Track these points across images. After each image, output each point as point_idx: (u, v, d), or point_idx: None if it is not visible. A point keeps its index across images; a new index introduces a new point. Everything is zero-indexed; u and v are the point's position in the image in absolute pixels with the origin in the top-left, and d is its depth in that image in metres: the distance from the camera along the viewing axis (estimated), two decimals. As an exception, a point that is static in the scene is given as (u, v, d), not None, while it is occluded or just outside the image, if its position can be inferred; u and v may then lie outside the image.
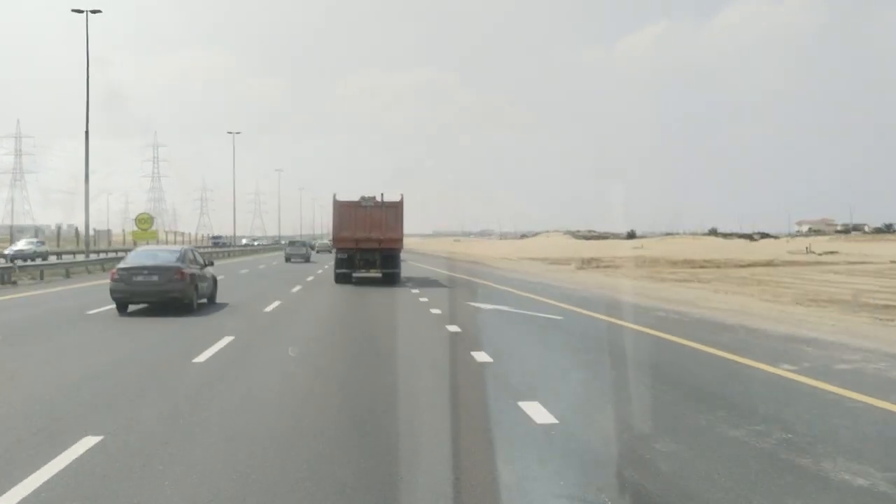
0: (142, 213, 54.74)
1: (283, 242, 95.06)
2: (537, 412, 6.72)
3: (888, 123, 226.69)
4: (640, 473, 5.13)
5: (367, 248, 25.83)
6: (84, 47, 40.38)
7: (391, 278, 26.05)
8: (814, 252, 59.85)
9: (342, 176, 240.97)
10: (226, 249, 70.16)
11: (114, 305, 16.25)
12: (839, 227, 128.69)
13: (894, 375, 9.12)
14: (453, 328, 13.20)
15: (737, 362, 9.91)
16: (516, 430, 6.24)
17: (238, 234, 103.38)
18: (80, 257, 40.39)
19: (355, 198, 26.40)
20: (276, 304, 18.44)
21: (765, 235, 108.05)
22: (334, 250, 27.66)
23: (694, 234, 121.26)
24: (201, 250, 29.55)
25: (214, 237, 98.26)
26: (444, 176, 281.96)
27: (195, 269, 17.15)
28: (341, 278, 26.20)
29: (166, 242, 62.83)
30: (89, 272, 34.67)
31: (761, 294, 22.89)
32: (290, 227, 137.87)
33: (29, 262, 33.63)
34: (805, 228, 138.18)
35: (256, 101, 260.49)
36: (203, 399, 7.56)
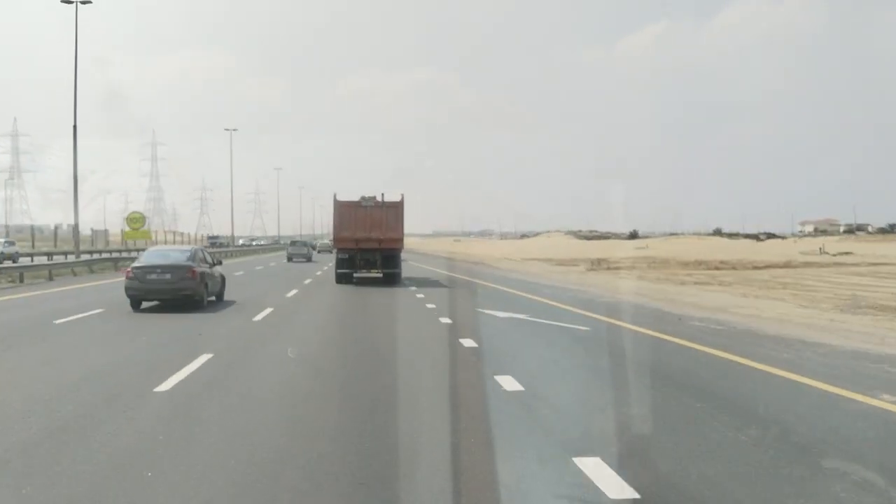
0: (133, 212, 52.85)
1: (282, 242, 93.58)
2: (608, 480, 4.86)
3: (889, 123, 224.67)
4: None
5: (368, 249, 25.58)
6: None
7: (392, 278, 25.78)
8: (827, 253, 58.07)
9: (342, 176, 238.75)
10: (223, 250, 68.10)
11: (89, 313, 15.45)
12: (843, 228, 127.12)
13: None
14: (468, 342, 11.40)
15: (826, 392, 8.07)
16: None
17: (239, 233, 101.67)
18: (79, 258, 38.69)
19: (356, 198, 26.20)
20: (268, 310, 16.65)
21: (771, 236, 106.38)
22: (335, 250, 27.43)
23: (698, 234, 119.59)
24: (210, 250, 29.94)
25: (211, 237, 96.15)
26: (444, 176, 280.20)
27: (205, 268, 17.75)
28: (342, 278, 25.90)
29: (164, 242, 61.46)
30: (75, 274, 32.80)
31: (794, 299, 21.09)
32: (290, 227, 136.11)
33: (8, 264, 31.77)
34: (808, 228, 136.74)
35: (256, 101, 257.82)
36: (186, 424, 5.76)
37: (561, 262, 49.72)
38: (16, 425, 6.35)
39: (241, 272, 35.28)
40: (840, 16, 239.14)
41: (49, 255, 42.59)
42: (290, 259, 51.85)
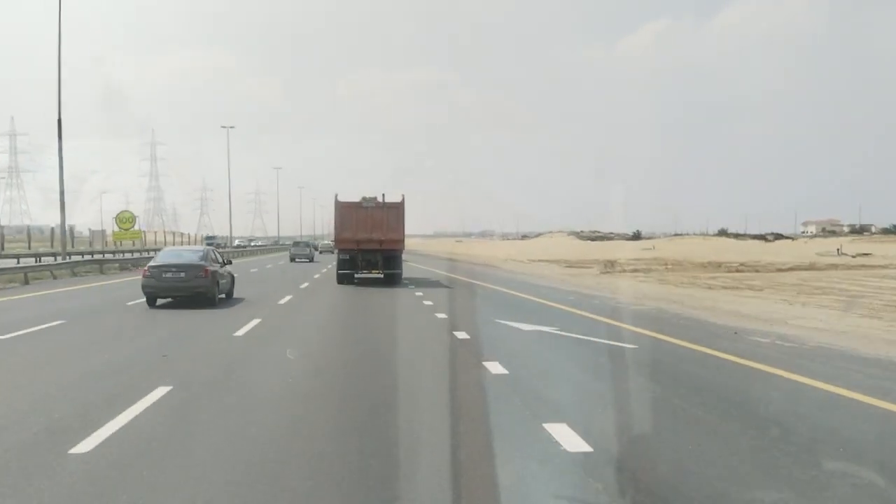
0: (123, 212, 50.27)
1: (282, 243, 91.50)
2: None
3: (890, 123, 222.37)
4: None
5: (369, 249, 25.50)
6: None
7: (392, 278, 25.77)
8: (846, 254, 55.84)
9: (342, 176, 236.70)
10: (218, 251, 64.69)
11: (42, 327, 13.62)
12: (846, 228, 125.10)
13: None
14: (494, 367, 9.16)
15: None
16: None
17: (240, 234, 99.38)
18: (66, 259, 36.48)
19: (356, 198, 26.18)
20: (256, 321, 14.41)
21: (778, 236, 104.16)
22: (336, 251, 27.38)
23: (703, 234, 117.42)
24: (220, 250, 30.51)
25: (208, 238, 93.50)
26: (444, 176, 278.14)
27: (216, 267, 18.53)
28: (343, 279, 25.85)
29: (164, 243, 59.39)
30: (55, 277, 30.57)
31: (841, 305, 18.88)
32: (291, 228, 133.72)
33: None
34: (811, 229, 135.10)
35: (256, 101, 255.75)
36: None
37: (570, 264, 47.43)
38: None
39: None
40: (840, 15, 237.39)
41: (37, 256, 40.26)
42: (293, 259, 52.94)
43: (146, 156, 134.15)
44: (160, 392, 7.64)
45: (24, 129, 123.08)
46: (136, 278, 31.42)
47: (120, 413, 6.67)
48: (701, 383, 8.68)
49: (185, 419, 6.81)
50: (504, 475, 4.99)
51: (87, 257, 41.71)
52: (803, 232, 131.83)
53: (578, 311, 17.18)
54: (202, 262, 18.01)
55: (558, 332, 12.98)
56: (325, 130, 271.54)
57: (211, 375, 9.08)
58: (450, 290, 24.68)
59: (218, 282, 18.32)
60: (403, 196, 26.38)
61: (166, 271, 17.54)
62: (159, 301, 17.66)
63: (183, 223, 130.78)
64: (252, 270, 38.72)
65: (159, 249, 24.43)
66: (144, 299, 17.70)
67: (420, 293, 22.18)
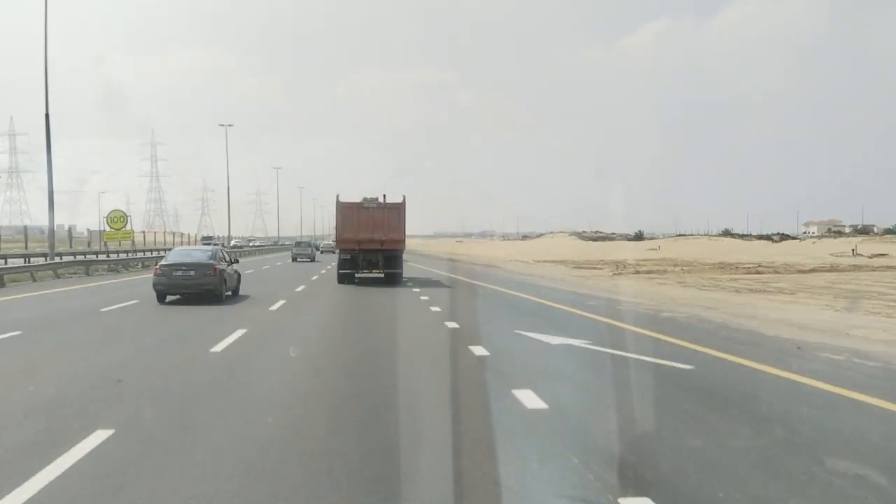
0: (114, 211, 47.97)
1: (282, 243, 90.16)
2: None
3: (890, 123, 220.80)
4: None
5: (370, 249, 25.59)
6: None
7: (393, 278, 25.87)
8: (861, 255, 54.00)
9: (342, 176, 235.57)
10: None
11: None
12: (848, 228, 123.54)
13: None
14: (528, 398, 7.27)
15: None
16: None
17: (241, 234, 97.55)
18: (53, 260, 34.66)
19: (357, 198, 26.32)
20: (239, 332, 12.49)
21: (784, 237, 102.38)
22: (338, 251, 27.53)
23: (708, 234, 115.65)
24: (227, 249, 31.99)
25: (205, 238, 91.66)
26: (445, 176, 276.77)
27: (224, 266, 19.40)
28: (344, 279, 25.95)
29: (164, 243, 58.00)
30: (35, 280, 28.77)
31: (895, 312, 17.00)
32: (292, 228, 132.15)
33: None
34: (812, 229, 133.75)
35: (256, 101, 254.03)
36: None
37: (578, 265, 45.53)
38: None
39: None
40: (840, 15, 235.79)
41: (27, 257, 38.31)
42: (294, 259, 53.60)
43: (146, 156, 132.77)
44: (95, 439, 5.73)
45: (24, 129, 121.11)
46: (121, 280, 30.04)
47: (28, 479, 4.77)
48: (807, 427, 6.73)
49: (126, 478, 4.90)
50: None
51: (80, 258, 39.87)
52: (805, 232, 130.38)
53: (605, 319, 15.22)
54: (211, 261, 18.90)
55: (593, 347, 11.04)
56: (325, 130, 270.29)
57: (173, 405, 7.16)
58: (458, 294, 22.88)
59: (225, 280, 19.19)
60: (404, 196, 26.39)
61: (177, 269, 18.42)
62: (168, 297, 18.55)
63: (184, 223, 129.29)
64: (248, 271, 36.68)
65: (159, 250, 26.34)
66: (119, 305, 17.45)
67: (426, 297, 20.27)
